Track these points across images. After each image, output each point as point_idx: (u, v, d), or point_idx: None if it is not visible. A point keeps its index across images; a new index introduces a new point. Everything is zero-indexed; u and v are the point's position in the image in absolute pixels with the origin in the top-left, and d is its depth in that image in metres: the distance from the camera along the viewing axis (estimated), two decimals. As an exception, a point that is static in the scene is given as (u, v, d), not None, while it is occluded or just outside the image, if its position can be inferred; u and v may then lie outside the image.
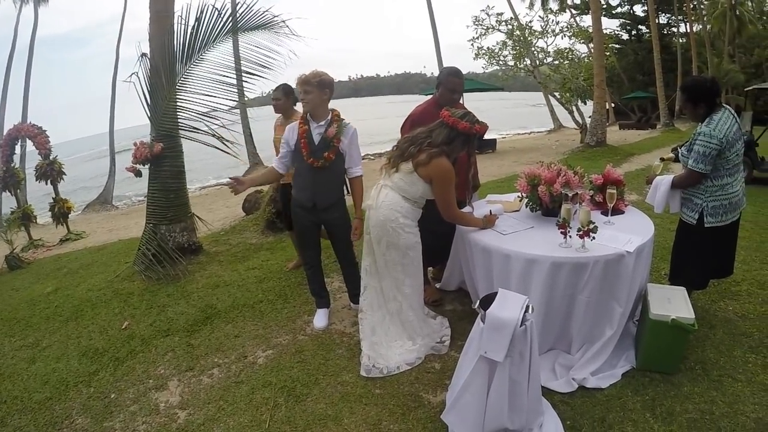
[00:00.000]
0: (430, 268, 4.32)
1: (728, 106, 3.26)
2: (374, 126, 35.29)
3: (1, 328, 4.58)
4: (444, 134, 3.06)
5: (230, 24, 5.45)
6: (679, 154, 3.42)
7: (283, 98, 4.60)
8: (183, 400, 3.14)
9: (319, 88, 3.40)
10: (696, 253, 3.40)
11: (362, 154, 3.92)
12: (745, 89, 12.91)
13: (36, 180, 9.11)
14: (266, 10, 5.45)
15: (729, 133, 3.10)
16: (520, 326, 2.25)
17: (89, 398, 3.25)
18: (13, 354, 4.00)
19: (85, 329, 4.28)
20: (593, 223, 2.92)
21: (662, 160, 3.76)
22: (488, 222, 3.38)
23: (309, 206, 3.59)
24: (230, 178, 3.52)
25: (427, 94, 19.72)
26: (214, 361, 3.53)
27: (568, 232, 2.97)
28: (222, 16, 5.37)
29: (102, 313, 4.56)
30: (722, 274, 3.65)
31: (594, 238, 2.91)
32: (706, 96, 3.22)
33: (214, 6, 5.29)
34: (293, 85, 4.18)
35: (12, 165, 9.17)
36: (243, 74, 5.51)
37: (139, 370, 3.53)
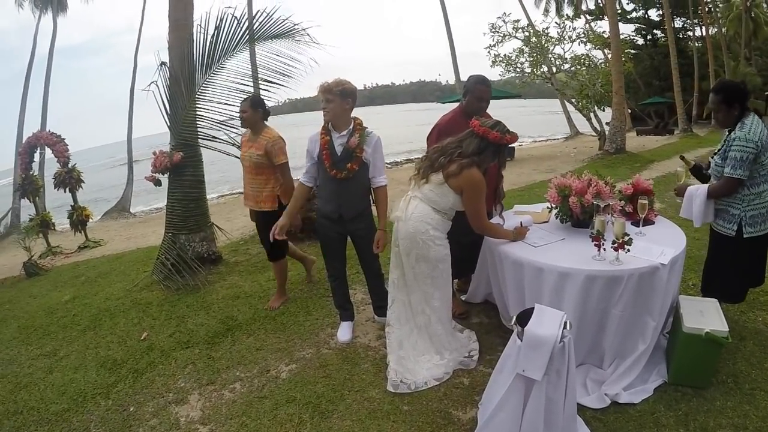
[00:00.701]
0: (455, 281, 4.22)
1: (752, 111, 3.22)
2: (392, 134, 35.20)
3: (18, 336, 4.57)
4: (475, 144, 2.99)
5: (248, 33, 5.43)
6: (712, 164, 3.32)
7: (249, 111, 4.16)
8: (204, 415, 3.07)
9: (341, 97, 3.33)
10: (734, 265, 3.30)
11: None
12: (766, 93, 12.70)
13: (55, 188, 9.19)
14: (286, 18, 5.44)
15: (763, 136, 3.04)
16: (559, 343, 2.17)
17: (107, 411, 3.21)
18: (30, 363, 3.98)
19: (104, 339, 4.24)
20: (628, 235, 2.85)
21: (683, 158, 3.67)
22: (519, 234, 3.30)
23: (335, 218, 3.53)
24: (274, 235, 3.54)
25: (443, 102, 19.63)
26: (236, 375, 3.46)
27: (602, 244, 2.88)
28: (241, 24, 5.36)
29: (120, 323, 4.53)
30: (753, 284, 3.54)
31: (629, 250, 2.83)
32: (741, 97, 3.16)
33: (233, 15, 5.28)
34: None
35: (31, 173, 9.29)
36: (262, 82, 5.48)
37: (159, 383, 3.47)
